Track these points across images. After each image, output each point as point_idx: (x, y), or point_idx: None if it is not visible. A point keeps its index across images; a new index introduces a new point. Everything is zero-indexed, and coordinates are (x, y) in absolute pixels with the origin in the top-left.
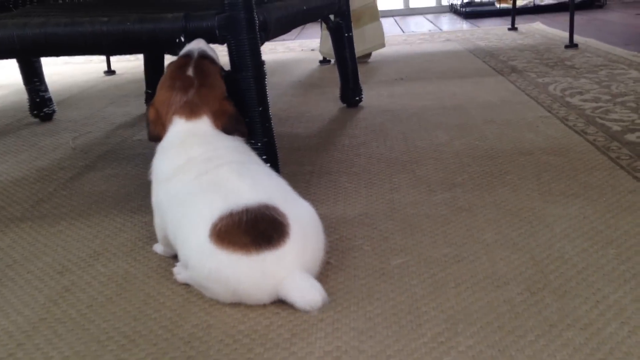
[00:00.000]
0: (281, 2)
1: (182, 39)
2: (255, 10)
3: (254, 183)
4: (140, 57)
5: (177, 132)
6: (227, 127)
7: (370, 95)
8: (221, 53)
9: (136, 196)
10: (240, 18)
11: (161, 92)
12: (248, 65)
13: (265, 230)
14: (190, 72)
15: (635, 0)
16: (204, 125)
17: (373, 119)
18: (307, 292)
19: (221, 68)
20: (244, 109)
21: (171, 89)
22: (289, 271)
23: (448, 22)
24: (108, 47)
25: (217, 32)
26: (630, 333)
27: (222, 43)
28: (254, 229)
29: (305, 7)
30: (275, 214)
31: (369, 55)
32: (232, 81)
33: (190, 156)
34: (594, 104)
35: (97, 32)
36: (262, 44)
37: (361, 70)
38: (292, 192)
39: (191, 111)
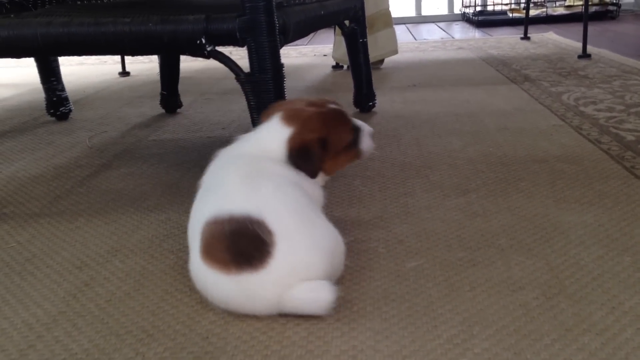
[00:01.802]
0: (300, 6)
1: (203, 41)
2: (275, 14)
3: (251, 192)
4: (155, 59)
5: None
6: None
7: (383, 101)
8: (241, 55)
9: (152, 195)
10: (261, 21)
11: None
12: (268, 67)
13: (246, 248)
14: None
15: None
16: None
17: (386, 124)
18: (311, 302)
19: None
20: (262, 110)
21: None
22: (273, 293)
23: (460, 31)
24: (130, 47)
25: (237, 34)
26: None
27: (242, 45)
28: (234, 246)
29: (322, 12)
30: (259, 229)
31: (381, 61)
32: (250, 83)
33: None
34: (608, 114)
35: (120, 32)
36: (282, 47)
37: (374, 76)
38: (305, 212)
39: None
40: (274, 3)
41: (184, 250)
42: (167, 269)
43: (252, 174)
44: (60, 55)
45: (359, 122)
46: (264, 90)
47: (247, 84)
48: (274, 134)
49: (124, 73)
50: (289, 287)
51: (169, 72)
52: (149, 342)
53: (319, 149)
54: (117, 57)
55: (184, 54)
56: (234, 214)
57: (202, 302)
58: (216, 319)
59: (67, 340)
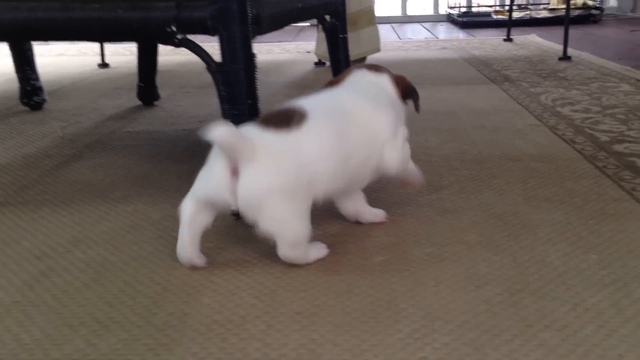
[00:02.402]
0: None
1: (174, 29)
2: (248, 3)
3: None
4: (135, 51)
5: None
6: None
7: None
8: (216, 48)
9: (121, 186)
10: (233, 10)
11: None
12: (239, 57)
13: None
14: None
15: (630, 17)
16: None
17: None
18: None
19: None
20: (233, 101)
21: None
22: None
23: (445, 31)
24: (99, 33)
25: (209, 22)
26: (606, 336)
27: (213, 34)
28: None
29: (300, 5)
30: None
31: (364, 59)
32: (221, 73)
33: None
34: (584, 115)
35: (88, 18)
36: (254, 37)
37: None
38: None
39: None
40: None
41: (148, 241)
42: (129, 260)
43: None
44: (29, 40)
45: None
46: (235, 80)
47: (218, 73)
48: (377, 78)
49: (103, 65)
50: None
51: (147, 63)
52: (102, 333)
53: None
54: (97, 49)
55: (154, 42)
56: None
57: (161, 294)
58: (174, 310)
59: (18, 330)
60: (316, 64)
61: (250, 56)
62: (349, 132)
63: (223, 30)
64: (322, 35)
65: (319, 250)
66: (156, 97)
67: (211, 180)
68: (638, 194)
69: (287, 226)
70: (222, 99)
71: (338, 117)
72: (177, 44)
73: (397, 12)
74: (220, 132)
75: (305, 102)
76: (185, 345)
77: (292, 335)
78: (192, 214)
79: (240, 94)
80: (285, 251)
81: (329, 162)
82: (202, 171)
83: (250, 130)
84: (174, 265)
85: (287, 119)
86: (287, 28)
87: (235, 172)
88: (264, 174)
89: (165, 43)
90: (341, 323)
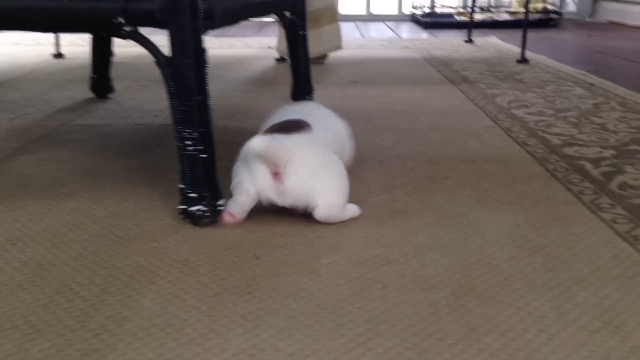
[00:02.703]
0: None
1: (121, 20)
2: None
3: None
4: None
5: None
6: None
7: (323, 95)
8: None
9: (66, 181)
10: (182, 2)
11: None
12: (189, 52)
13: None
14: None
15: (588, 22)
16: None
17: None
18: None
19: None
20: (182, 97)
21: None
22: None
23: (408, 31)
24: (43, 23)
25: (158, 15)
26: (548, 340)
27: (163, 27)
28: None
29: (257, 1)
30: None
31: (325, 56)
32: (170, 67)
33: None
34: (538, 117)
35: (32, 7)
36: (206, 32)
37: (317, 71)
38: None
39: None
40: None
41: (90, 240)
42: (69, 259)
43: None
44: None
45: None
46: (184, 75)
47: (167, 68)
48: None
49: (58, 55)
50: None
51: (101, 55)
52: (35, 337)
53: None
54: (53, 39)
55: (102, 33)
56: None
57: (100, 296)
58: (112, 314)
59: None
60: (277, 60)
61: (201, 51)
62: (335, 130)
63: (173, 23)
64: (284, 31)
65: (354, 210)
66: (110, 89)
67: (256, 184)
68: (585, 197)
69: (333, 189)
70: (171, 94)
71: (325, 122)
72: (125, 37)
73: (362, 11)
74: (261, 144)
75: (296, 114)
76: (120, 350)
77: (234, 339)
78: (247, 201)
79: (189, 90)
80: (326, 216)
81: (338, 140)
82: (240, 180)
83: (278, 138)
84: (116, 266)
85: (297, 126)
86: (250, 23)
87: (277, 176)
88: (305, 167)
89: (113, 35)
90: (285, 327)
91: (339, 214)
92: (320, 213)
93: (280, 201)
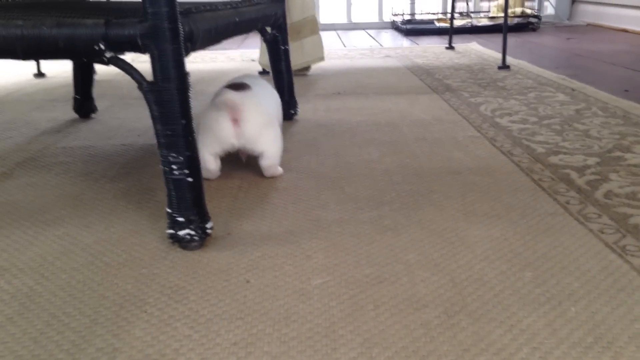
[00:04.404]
0: (211, 12)
1: (102, 47)
2: (180, 21)
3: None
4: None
5: None
6: None
7: (306, 108)
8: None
9: (52, 207)
10: (164, 27)
11: None
12: (171, 76)
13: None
14: None
15: (567, 25)
16: None
17: (307, 133)
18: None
19: None
20: (166, 121)
21: None
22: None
23: (389, 39)
24: (23, 52)
25: (139, 40)
26: (541, 359)
27: (144, 52)
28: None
29: (237, 19)
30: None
31: (308, 68)
32: (153, 92)
33: None
34: (522, 126)
35: (12, 35)
36: (188, 54)
37: (299, 83)
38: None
39: None
40: (177, 9)
41: (78, 269)
42: (57, 289)
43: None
44: None
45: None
46: (167, 99)
47: (149, 93)
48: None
49: (39, 74)
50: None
51: (82, 74)
52: None
53: None
54: None
55: (83, 60)
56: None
57: (90, 327)
58: (104, 345)
59: None
60: (260, 73)
61: (183, 75)
62: (272, 96)
63: (154, 48)
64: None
65: (281, 171)
66: (93, 109)
67: (222, 132)
68: (572, 207)
69: (275, 143)
70: (155, 119)
71: (264, 88)
72: (107, 62)
73: (343, 20)
74: (226, 96)
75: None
76: None
77: None
78: (215, 164)
79: (173, 114)
80: (270, 164)
81: (277, 107)
82: (207, 130)
83: (233, 94)
84: (105, 295)
85: (244, 86)
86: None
87: (236, 122)
88: (257, 117)
89: (95, 62)
90: (277, 353)
91: (276, 167)
92: (265, 162)
93: (237, 142)
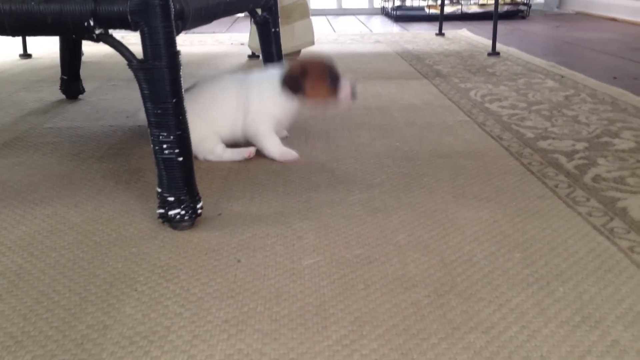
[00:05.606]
0: None
1: (91, 23)
2: None
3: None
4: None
5: None
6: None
7: None
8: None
9: (40, 187)
10: (154, 4)
11: None
12: (162, 54)
13: None
14: None
15: (556, 13)
16: None
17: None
18: None
19: None
20: (156, 100)
21: None
22: None
23: (379, 24)
24: (11, 27)
25: (129, 17)
26: (530, 337)
27: (135, 30)
28: None
29: None
30: None
31: (298, 52)
32: (143, 70)
33: None
34: (511, 111)
35: (0, 11)
36: (179, 33)
37: None
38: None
39: None
40: None
41: (68, 247)
42: (47, 268)
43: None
44: None
45: (344, 76)
46: (157, 78)
47: (139, 71)
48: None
49: (25, 55)
50: None
51: (70, 55)
52: (15, 349)
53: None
54: (19, 38)
55: (72, 36)
56: None
57: (80, 305)
58: (94, 322)
59: None
60: (250, 56)
61: (174, 53)
62: None
63: (144, 25)
64: (256, 28)
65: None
66: (81, 90)
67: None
68: (560, 191)
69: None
70: (145, 98)
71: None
72: (96, 39)
73: (333, 5)
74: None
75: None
76: None
77: (219, 345)
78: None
79: (163, 93)
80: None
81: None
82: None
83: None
84: (95, 273)
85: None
86: (221, 19)
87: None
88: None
89: (84, 38)
90: (269, 331)
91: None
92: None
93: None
